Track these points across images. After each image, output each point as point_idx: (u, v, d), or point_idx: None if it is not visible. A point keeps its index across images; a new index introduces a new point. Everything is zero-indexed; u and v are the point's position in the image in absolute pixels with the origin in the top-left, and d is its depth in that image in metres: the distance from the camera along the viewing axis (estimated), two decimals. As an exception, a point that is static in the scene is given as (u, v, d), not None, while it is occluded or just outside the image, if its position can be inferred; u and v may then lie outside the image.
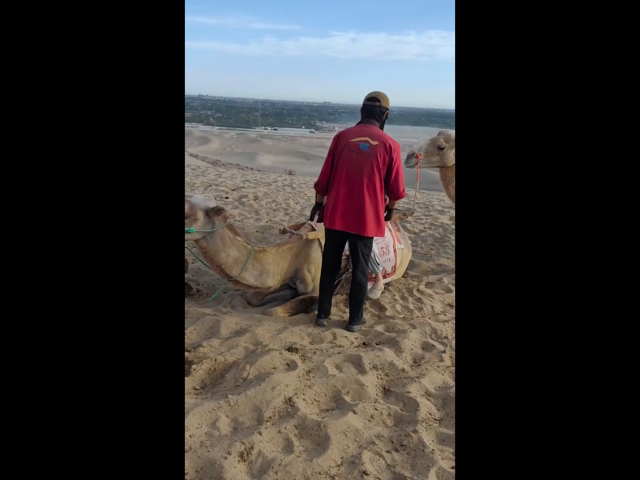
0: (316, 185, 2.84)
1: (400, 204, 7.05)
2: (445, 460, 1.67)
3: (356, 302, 2.80)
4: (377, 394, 2.12)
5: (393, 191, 2.72)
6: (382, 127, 2.75)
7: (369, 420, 1.90)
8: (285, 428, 1.81)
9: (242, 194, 7.24)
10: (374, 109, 2.68)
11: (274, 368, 2.23)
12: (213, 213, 2.64)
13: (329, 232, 2.78)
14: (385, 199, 2.79)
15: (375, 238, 3.18)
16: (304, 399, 2.02)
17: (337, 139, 2.73)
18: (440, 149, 3.27)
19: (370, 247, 2.78)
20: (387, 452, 1.72)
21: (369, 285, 3.28)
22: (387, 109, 2.73)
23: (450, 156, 3.29)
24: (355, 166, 2.61)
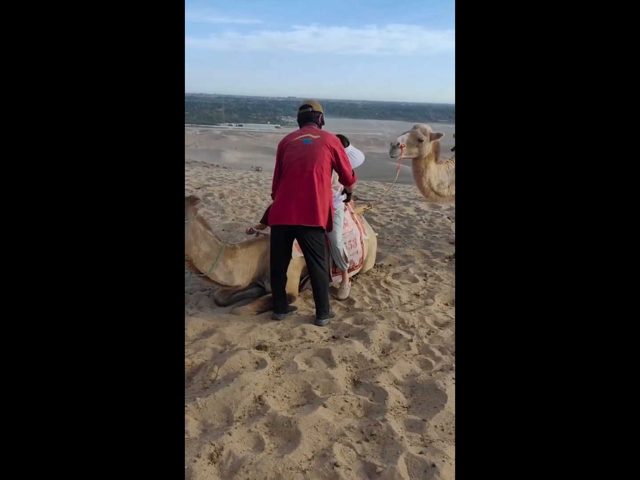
0: (272, 194, 2.94)
1: (367, 195, 7.14)
2: (413, 446, 1.72)
3: (320, 295, 2.81)
4: (347, 386, 2.15)
5: (344, 177, 2.82)
6: (320, 127, 2.91)
7: (339, 413, 1.92)
8: (256, 427, 1.80)
9: (207, 192, 7.10)
10: (309, 114, 2.87)
11: (242, 367, 2.22)
12: (188, 202, 2.58)
13: (275, 230, 2.78)
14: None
15: (343, 232, 3.21)
16: (274, 397, 2.02)
17: (281, 145, 2.88)
18: (420, 141, 3.41)
19: (320, 238, 2.76)
20: (358, 442, 1.75)
21: (336, 279, 3.31)
22: (321, 112, 2.91)
23: (427, 148, 3.47)
24: (301, 159, 2.68)
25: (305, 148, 2.70)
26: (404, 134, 3.45)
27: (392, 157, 3.42)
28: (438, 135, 3.51)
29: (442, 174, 3.68)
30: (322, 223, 2.69)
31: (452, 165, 3.75)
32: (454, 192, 3.79)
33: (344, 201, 3.00)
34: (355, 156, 3.24)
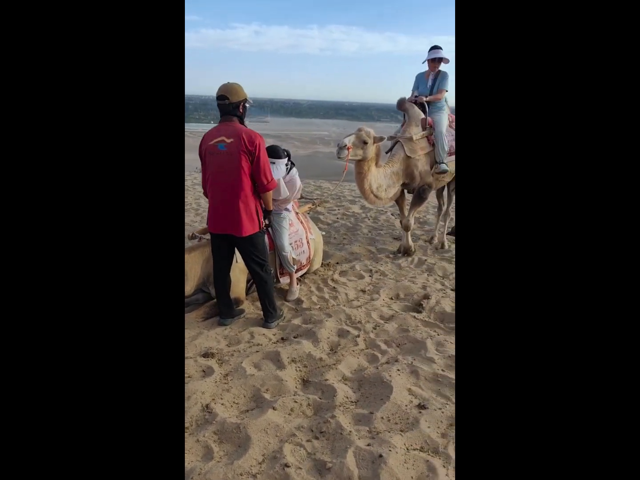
0: (204, 193, 2.80)
1: (314, 194, 7.19)
2: (361, 439, 1.77)
3: (264, 298, 2.79)
4: (296, 387, 2.16)
5: (259, 183, 2.58)
6: (242, 121, 2.61)
7: (289, 414, 1.94)
8: (204, 436, 1.77)
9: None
10: (225, 107, 2.55)
11: (188, 377, 2.16)
12: None
13: (214, 235, 2.73)
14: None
15: (289, 233, 3.22)
16: (222, 404, 1.99)
17: (200, 144, 2.64)
18: (365, 143, 3.48)
19: (256, 242, 2.69)
20: (308, 441, 1.77)
21: (284, 279, 3.32)
22: (241, 101, 2.56)
23: (371, 150, 3.57)
24: (218, 168, 2.54)
25: (220, 156, 2.52)
26: (349, 135, 3.52)
27: (339, 157, 3.48)
28: (381, 139, 3.62)
29: (380, 177, 3.78)
30: (249, 231, 2.60)
31: (389, 169, 3.86)
32: (390, 195, 3.91)
33: (265, 227, 2.76)
34: (283, 187, 3.00)
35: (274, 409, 1.93)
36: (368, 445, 1.73)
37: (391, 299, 3.34)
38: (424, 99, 4.02)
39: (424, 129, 4.02)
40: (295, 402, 2.00)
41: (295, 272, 3.35)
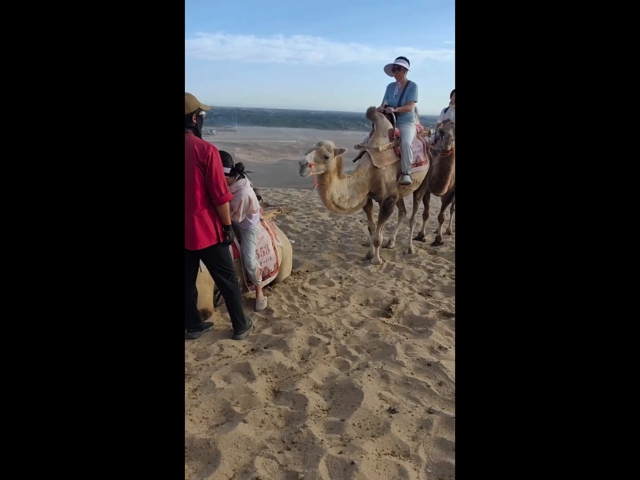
0: None
1: (283, 202, 7.18)
2: (333, 447, 1.77)
3: (233, 308, 2.75)
4: (267, 398, 2.14)
5: (212, 196, 2.50)
6: (198, 131, 2.54)
7: (260, 426, 1.91)
8: (172, 455, 1.71)
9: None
10: None
11: (155, 394, 2.09)
12: None
13: None
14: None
15: (256, 240, 3.19)
16: (191, 420, 1.93)
17: None
18: (326, 157, 3.49)
19: (218, 253, 2.64)
20: (279, 452, 1.75)
21: (252, 288, 3.28)
22: (193, 112, 2.47)
23: (332, 163, 3.61)
24: None
25: None
26: (310, 152, 3.53)
27: (302, 175, 3.49)
28: (341, 151, 3.65)
29: (343, 188, 3.81)
30: (205, 244, 2.54)
31: (354, 180, 3.90)
32: (353, 205, 3.94)
33: (228, 239, 2.67)
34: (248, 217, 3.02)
35: (244, 422, 1.90)
36: (340, 453, 1.73)
37: (361, 304, 3.37)
38: (393, 110, 4.09)
39: (391, 139, 4.08)
40: (266, 413, 1.97)
41: (264, 279, 3.33)
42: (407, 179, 4.11)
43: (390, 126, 4.10)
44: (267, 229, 3.45)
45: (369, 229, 4.48)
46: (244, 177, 2.99)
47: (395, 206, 5.05)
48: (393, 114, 4.10)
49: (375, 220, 4.35)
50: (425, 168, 4.47)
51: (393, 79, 4.24)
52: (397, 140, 4.10)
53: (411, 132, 4.16)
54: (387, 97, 4.30)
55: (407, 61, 4.13)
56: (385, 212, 4.16)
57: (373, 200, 4.31)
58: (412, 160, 4.12)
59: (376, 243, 4.23)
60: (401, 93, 4.16)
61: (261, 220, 3.50)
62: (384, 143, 4.03)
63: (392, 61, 4.21)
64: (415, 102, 4.16)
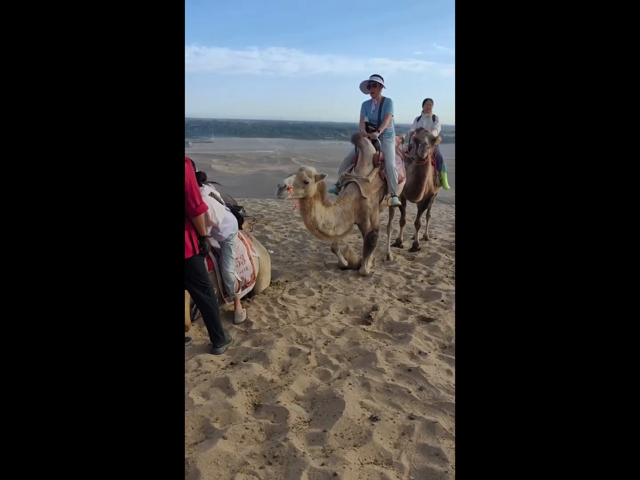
0: None
1: (261, 213, 7.14)
2: (315, 459, 1.74)
3: (210, 322, 2.70)
4: (247, 412, 2.10)
5: (187, 207, 2.46)
6: None
7: (240, 442, 1.87)
8: (148, 477, 1.65)
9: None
10: None
11: (130, 414, 2.02)
12: None
13: None
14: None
15: (235, 255, 3.15)
16: (168, 439, 1.87)
17: None
18: (306, 183, 3.45)
19: (194, 265, 2.58)
20: (261, 468, 1.71)
21: (229, 301, 3.24)
22: None
23: (312, 189, 3.57)
24: None
25: None
26: (290, 175, 3.51)
27: (279, 198, 3.44)
28: (322, 176, 3.61)
29: (329, 215, 3.77)
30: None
31: (340, 208, 3.86)
32: (339, 233, 3.90)
33: (202, 251, 2.63)
34: (222, 224, 2.94)
35: (224, 438, 1.85)
36: (322, 465, 1.70)
37: (341, 313, 3.37)
38: (377, 135, 4.07)
39: (375, 165, 4.09)
40: (247, 428, 1.94)
41: (242, 289, 3.29)
42: (396, 200, 4.14)
43: (374, 151, 4.10)
44: (242, 239, 3.42)
45: (333, 249, 4.41)
46: (201, 186, 2.86)
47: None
48: (377, 139, 4.10)
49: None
50: (404, 182, 4.55)
51: (368, 97, 4.25)
52: (381, 164, 4.12)
53: (393, 149, 4.20)
54: (365, 113, 4.31)
55: (382, 78, 4.16)
56: (369, 247, 4.17)
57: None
58: (397, 176, 4.15)
59: (364, 274, 4.18)
60: (378, 109, 4.19)
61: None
62: (370, 171, 4.04)
63: (366, 77, 4.24)
64: (392, 115, 4.20)
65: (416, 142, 4.59)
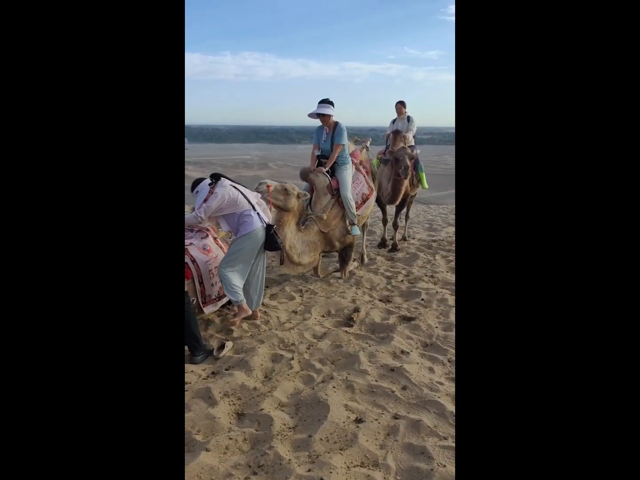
0: None
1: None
2: (301, 465, 1.72)
3: (187, 332, 2.62)
4: (230, 422, 2.05)
5: None
6: None
7: (224, 453, 1.82)
8: (129, 495, 1.59)
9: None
10: None
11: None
12: None
13: None
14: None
15: (207, 259, 3.10)
16: (148, 455, 1.81)
17: None
18: (287, 193, 3.40)
19: None
20: (246, 478, 1.68)
21: (208, 309, 3.18)
22: None
23: (292, 201, 3.44)
24: None
25: None
26: (276, 183, 3.44)
27: (257, 191, 3.35)
28: (305, 195, 3.54)
29: (297, 239, 3.62)
30: None
31: (306, 237, 3.70)
32: (304, 262, 3.69)
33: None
34: (195, 213, 3.04)
35: (207, 450, 1.81)
36: (309, 471, 1.68)
37: (323, 316, 3.35)
38: (324, 169, 3.91)
39: (332, 194, 3.93)
40: (230, 438, 1.89)
41: (219, 299, 3.25)
42: (355, 230, 4.00)
43: (327, 181, 3.92)
44: (220, 247, 3.37)
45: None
46: (216, 181, 3.16)
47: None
48: (328, 171, 3.95)
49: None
50: (372, 199, 4.39)
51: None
52: (337, 193, 3.96)
53: (348, 176, 4.01)
54: (317, 140, 4.15)
55: (331, 103, 3.96)
56: (344, 260, 4.14)
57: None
58: (354, 206, 3.99)
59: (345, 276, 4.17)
60: (330, 137, 4.00)
61: (215, 238, 3.42)
62: (325, 204, 3.89)
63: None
64: (344, 145, 3.98)
65: (395, 161, 4.59)
